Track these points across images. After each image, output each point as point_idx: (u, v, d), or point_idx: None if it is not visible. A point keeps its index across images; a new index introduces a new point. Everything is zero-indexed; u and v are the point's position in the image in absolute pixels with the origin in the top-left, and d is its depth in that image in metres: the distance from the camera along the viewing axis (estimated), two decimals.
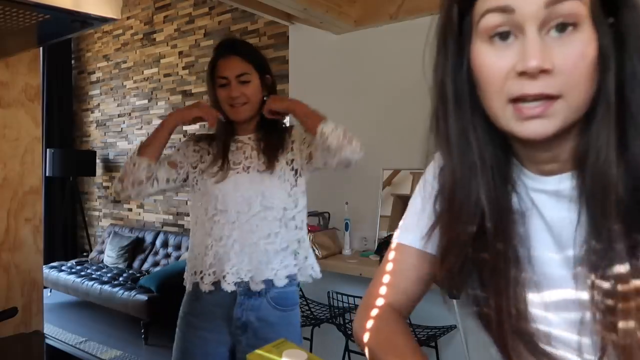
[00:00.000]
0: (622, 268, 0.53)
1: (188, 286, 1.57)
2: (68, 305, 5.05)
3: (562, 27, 0.53)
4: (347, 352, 2.63)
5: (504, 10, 0.54)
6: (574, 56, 0.52)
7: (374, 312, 0.77)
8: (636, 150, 0.53)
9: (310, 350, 2.76)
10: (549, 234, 0.61)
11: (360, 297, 2.82)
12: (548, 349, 0.62)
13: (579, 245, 0.57)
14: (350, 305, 2.56)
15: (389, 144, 2.92)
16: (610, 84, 0.53)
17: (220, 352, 1.54)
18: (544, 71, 0.52)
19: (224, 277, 1.48)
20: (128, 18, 5.51)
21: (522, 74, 0.53)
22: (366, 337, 0.76)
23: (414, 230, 0.75)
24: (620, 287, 0.54)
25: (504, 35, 0.55)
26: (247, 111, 1.55)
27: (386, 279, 0.78)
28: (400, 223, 0.79)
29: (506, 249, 0.61)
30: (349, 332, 2.52)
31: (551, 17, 0.52)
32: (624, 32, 0.53)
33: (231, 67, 1.52)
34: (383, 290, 0.78)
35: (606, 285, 0.55)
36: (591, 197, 0.56)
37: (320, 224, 3.01)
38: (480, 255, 0.63)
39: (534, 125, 0.55)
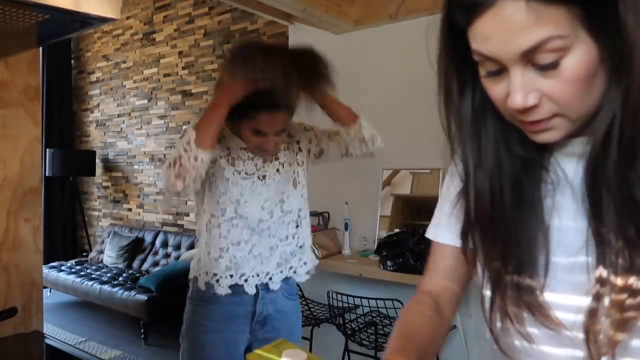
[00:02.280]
0: (613, 240, 0.56)
1: (201, 285, 1.50)
2: (68, 305, 5.05)
3: (543, 67, 0.54)
4: (346, 352, 2.63)
5: (487, 57, 0.57)
6: (561, 85, 0.54)
7: (409, 303, 0.80)
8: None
9: (310, 350, 2.76)
10: (574, 201, 0.63)
11: (360, 297, 2.81)
12: (548, 310, 0.64)
13: (592, 210, 0.59)
14: (350, 305, 2.56)
15: (388, 144, 2.91)
16: (612, 88, 0.55)
17: (241, 352, 1.51)
18: (531, 106, 0.56)
19: (245, 280, 1.48)
20: (128, 18, 5.51)
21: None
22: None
23: (442, 227, 0.80)
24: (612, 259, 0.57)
25: (495, 72, 0.58)
26: (272, 154, 1.52)
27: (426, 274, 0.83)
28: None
29: (526, 217, 0.64)
30: (349, 332, 2.52)
31: (531, 60, 0.54)
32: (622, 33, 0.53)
33: (274, 124, 1.42)
34: (422, 282, 0.82)
35: (606, 259, 0.57)
36: (588, 170, 0.59)
37: (320, 224, 3.01)
38: (499, 225, 0.65)
39: (542, 136, 0.59)
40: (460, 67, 0.64)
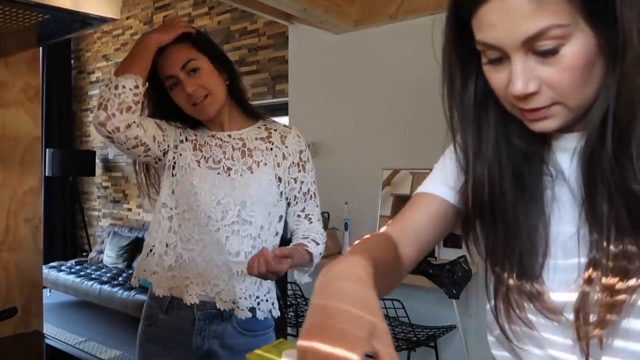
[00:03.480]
0: (606, 233, 0.58)
1: (134, 281, 1.39)
2: (67, 305, 5.05)
3: (543, 53, 0.56)
4: None
5: (489, 46, 0.59)
6: (561, 72, 0.56)
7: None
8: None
9: None
10: (570, 193, 0.65)
11: None
12: (548, 301, 0.65)
13: (587, 198, 0.61)
14: None
15: (388, 144, 2.92)
16: (609, 78, 0.56)
17: None
18: (531, 93, 0.57)
19: (186, 286, 1.27)
20: (127, 18, 5.51)
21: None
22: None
23: (429, 182, 0.79)
24: (602, 251, 0.59)
25: (497, 60, 0.60)
26: (212, 104, 1.27)
27: (390, 221, 0.80)
28: None
29: (529, 207, 0.66)
30: None
31: (531, 47, 0.56)
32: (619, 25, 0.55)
33: (172, 61, 1.25)
34: (383, 228, 0.78)
35: (599, 244, 0.59)
36: (584, 159, 0.61)
37: None
38: (499, 218, 0.67)
39: (540, 125, 0.61)
40: (464, 58, 0.66)
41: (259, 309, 1.29)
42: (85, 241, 5.85)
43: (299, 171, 1.35)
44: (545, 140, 0.67)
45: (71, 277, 4.74)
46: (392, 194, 2.93)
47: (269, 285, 1.33)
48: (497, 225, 0.67)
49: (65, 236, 6.05)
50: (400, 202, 2.90)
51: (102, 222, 5.99)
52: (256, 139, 1.34)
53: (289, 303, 2.80)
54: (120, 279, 4.57)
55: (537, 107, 0.59)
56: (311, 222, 1.37)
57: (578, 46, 0.55)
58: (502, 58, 0.59)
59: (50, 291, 5.08)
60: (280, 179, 1.32)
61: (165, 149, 1.32)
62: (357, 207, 3.00)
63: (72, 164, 5.55)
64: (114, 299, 4.23)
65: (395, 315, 2.42)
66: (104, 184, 5.95)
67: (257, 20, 4.21)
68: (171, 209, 1.31)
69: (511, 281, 0.66)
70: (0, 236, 1.43)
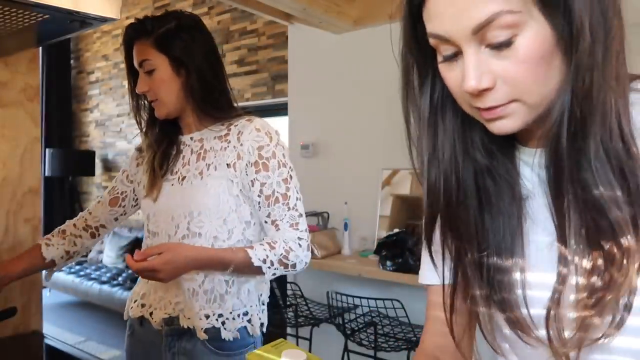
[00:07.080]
0: (574, 247, 0.55)
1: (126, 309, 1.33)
2: (67, 305, 5.05)
3: (497, 46, 0.52)
4: (346, 352, 2.63)
5: (440, 38, 0.56)
6: (516, 66, 0.52)
7: None
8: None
9: (310, 350, 2.76)
10: (546, 211, 0.61)
11: (359, 297, 2.79)
12: (520, 312, 0.61)
13: (553, 203, 0.58)
14: (349, 305, 2.56)
15: (388, 144, 2.92)
16: (571, 69, 0.53)
17: None
18: (485, 89, 0.54)
19: (150, 314, 1.21)
20: (127, 18, 5.51)
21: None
22: None
23: (424, 267, 0.75)
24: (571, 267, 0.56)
25: (451, 56, 0.57)
26: (160, 109, 1.23)
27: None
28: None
29: (498, 224, 0.62)
30: (348, 332, 2.52)
31: (484, 39, 0.53)
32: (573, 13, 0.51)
33: (134, 56, 1.22)
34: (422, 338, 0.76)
35: (567, 259, 0.56)
36: (551, 170, 0.57)
37: (319, 224, 3.02)
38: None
39: (499, 124, 0.56)
40: (420, 58, 0.64)
41: (224, 329, 1.16)
42: None
43: (258, 171, 1.16)
44: (512, 155, 0.64)
45: (71, 277, 4.74)
46: (392, 194, 2.93)
47: (243, 300, 1.20)
48: (462, 242, 0.63)
49: None
50: (400, 202, 2.91)
51: None
52: (214, 138, 1.23)
53: (288, 303, 2.81)
54: (119, 278, 4.57)
55: (493, 105, 0.54)
56: (278, 229, 1.17)
57: (533, 37, 0.51)
58: (457, 54, 0.56)
59: (50, 291, 5.08)
60: (234, 183, 1.17)
61: (134, 202, 1.38)
62: (357, 207, 3.00)
63: (71, 164, 5.55)
64: (113, 299, 4.23)
65: (395, 315, 2.42)
66: (104, 184, 5.95)
67: (256, 20, 4.21)
68: (144, 237, 1.30)
69: (482, 302, 0.62)
70: (0, 236, 1.43)
